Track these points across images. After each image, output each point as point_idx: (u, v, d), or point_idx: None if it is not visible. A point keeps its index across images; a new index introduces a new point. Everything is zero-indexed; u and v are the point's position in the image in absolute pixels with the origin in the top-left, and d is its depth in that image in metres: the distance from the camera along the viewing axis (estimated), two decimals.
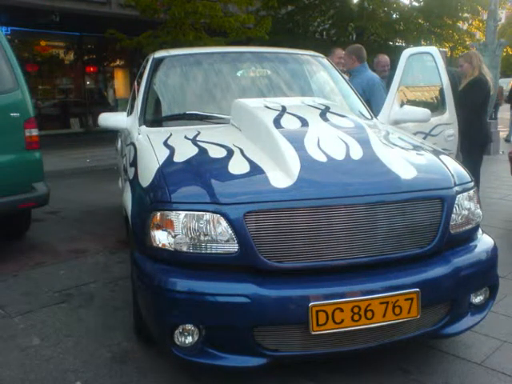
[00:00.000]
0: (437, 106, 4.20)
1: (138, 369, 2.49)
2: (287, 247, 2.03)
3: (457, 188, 2.30)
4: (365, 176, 2.18)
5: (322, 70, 3.93)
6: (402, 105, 3.69)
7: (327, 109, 2.76)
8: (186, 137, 2.71)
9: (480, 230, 2.51)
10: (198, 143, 2.59)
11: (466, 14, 15.42)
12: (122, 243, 4.40)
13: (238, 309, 2.00)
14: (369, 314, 2.01)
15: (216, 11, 10.26)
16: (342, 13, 14.82)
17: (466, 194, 2.34)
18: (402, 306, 2.05)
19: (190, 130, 2.86)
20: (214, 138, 2.66)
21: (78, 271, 3.88)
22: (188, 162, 2.37)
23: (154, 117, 3.37)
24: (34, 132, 4.18)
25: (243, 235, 2.01)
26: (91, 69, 15.69)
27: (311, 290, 2.02)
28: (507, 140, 12.36)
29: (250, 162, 2.29)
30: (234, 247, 2.04)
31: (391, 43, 15.13)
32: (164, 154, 2.47)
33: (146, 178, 2.36)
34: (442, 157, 2.53)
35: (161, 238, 2.12)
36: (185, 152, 2.46)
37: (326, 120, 2.59)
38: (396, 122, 3.53)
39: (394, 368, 2.44)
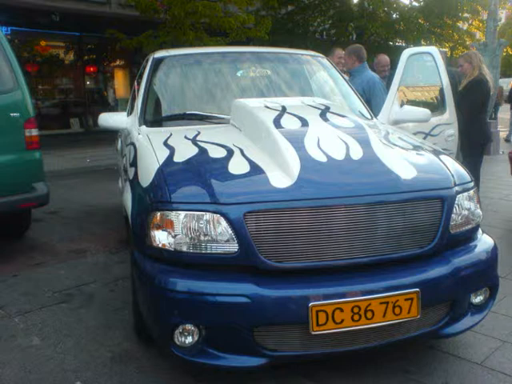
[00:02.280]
0: (437, 106, 4.20)
1: (138, 369, 2.49)
2: (287, 247, 2.03)
3: (457, 188, 2.30)
4: (365, 176, 2.18)
5: (322, 70, 3.93)
6: (402, 105, 3.69)
7: (327, 109, 2.76)
8: (186, 137, 2.71)
9: (480, 230, 2.51)
10: (198, 143, 2.60)
11: (465, 14, 15.44)
12: (122, 243, 4.40)
13: (238, 309, 2.00)
14: (369, 314, 2.01)
15: (216, 11, 10.26)
16: (341, 13, 14.84)
17: (465, 193, 2.34)
18: (402, 306, 2.05)
19: (190, 130, 2.86)
20: (213, 138, 2.66)
21: (78, 271, 3.88)
22: (188, 161, 2.37)
23: (154, 117, 3.37)
24: (34, 132, 4.18)
25: (243, 235, 2.01)
26: (91, 69, 15.69)
27: (311, 290, 2.02)
28: (507, 140, 12.36)
29: (250, 162, 2.29)
30: (233, 247, 2.04)
31: (391, 43, 15.14)
32: (164, 154, 2.47)
33: (146, 177, 2.36)
34: (442, 157, 2.53)
35: (161, 237, 2.12)
36: (185, 152, 2.46)
37: (326, 120, 2.59)
38: (396, 122, 3.53)
39: (393, 368, 2.44)
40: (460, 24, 16.43)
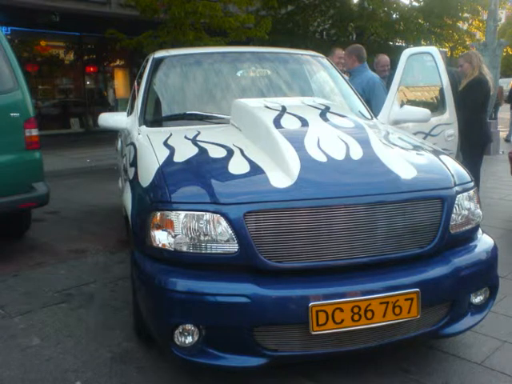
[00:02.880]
0: (437, 106, 4.20)
1: (138, 369, 2.49)
2: (287, 247, 2.03)
3: (457, 188, 2.30)
4: (365, 176, 2.18)
5: (322, 70, 3.93)
6: (402, 105, 3.69)
7: (327, 109, 2.76)
8: (186, 137, 2.71)
9: (480, 230, 2.51)
10: (198, 143, 2.59)
11: (466, 14, 15.43)
12: (122, 243, 4.40)
13: (238, 309, 2.00)
14: (369, 314, 2.01)
15: (216, 11, 10.26)
16: (342, 13, 14.84)
17: (466, 193, 2.34)
18: (402, 306, 2.05)
19: (190, 130, 2.86)
20: (213, 138, 2.66)
21: (78, 271, 3.88)
22: (188, 161, 2.37)
23: (154, 117, 3.37)
24: (34, 132, 4.18)
25: (243, 235, 2.01)
26: (91, 69, 15.69)
27: (311, 290, 2.02)
28: (507, 140, 12.36)
29: (250, 162, 2.29)
30: (233, 247, 2.04)
31: (391, 43, 15.14)
32: (164, 154, 2.47)
33: (146, 178, 2.36)
34: (442, 157, 2.53)
35: (161, 237, 2.12)
36: (185, 152, 2.46)
37: (326, 120, 2.58)
38: (396, 122, 3.53)
39: (394, 368, 2.44)
40: (460, 24, 16.43)
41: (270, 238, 2.03)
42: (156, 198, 2.18)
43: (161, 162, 2.37)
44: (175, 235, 2.09)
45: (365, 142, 2.35)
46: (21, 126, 4.09)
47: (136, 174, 2.58)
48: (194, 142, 2.63)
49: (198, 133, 2.77)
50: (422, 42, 14.28)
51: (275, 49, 4.14)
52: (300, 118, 2.57)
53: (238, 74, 3.73)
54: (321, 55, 4.07)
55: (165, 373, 2.46)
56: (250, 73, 3.76)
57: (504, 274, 3.41)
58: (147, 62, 3.78)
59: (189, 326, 2.08)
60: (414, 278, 2.11)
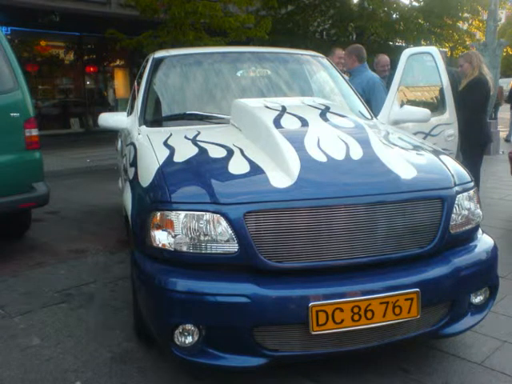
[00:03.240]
0: (437, 106, 4.20)
1: (138, 369, 2.49)
2: (287, 247, 2.03)
3: (457, 188, 2.30)
4: (365, 176, 2.18)
5: (322, 70, 3.93)
6: (402, 105, 3.69)
7: (327, 109, 2.76)
8: (186, 137, 2.72)
9: (480, 230, 2.51)
10: (198, 143, 2.60)
11: (466, 14, 15.44)
12: (122, 243, 4.40)
13: (238, 309, 2.00)
14: (369, 314, 2.01)
15: (216, 11, 10.27)
16: (342, 13, 14.85)
17: (466, 194, 2.34)
18: (402, 306, 2.05)
19: (190, 130, 2.86)
20: (213, 138, 2.66)
21: (77, 271, 3.88)
22: (188, 161, 2.37)
23: (154, 117, 3.37)
24: (34, 132, 4.18)
25: (243, 235, 2.01)
26: (91, 69, 15.70)
27: (311, 290, 2.02)
28: (507, 140, 12.36)
29: (250, 162, 2.29)
30: (233, 247, 2.04)
31: (391, 43, 15.14)
32: (164, 154, 2.47)
33: (146, 178, 2.37)
34: (442, 157, 2.53)
35: (161, 238, 2.12)
36: (185, 152, 2.46)
37: (326, 120, 2.58)
38: (396, 122, 3.53)
39: (394, 368, 2.44)
40: (460, 24, 16.43)
41: (270, 238, 2.03)
42: (156, 198, 2.18)
43: (161, 162, 2.37)
44: (175, 235, 2.09)
45: (365, 142, 2.35)
46: (21, 126, 4.09)
47: (136, 173, 2.58)
48: (194, 142, 2.63)
49: (198, 133, 2.77)
50: (422, 42, 14.29)
51: (275, 49, 4.14)
52: (300, 118, 2.57)
53: (238, 74, 3.73)
54: (321, 55, 4.07)
55: (165, 373, 2.46)
56: (249, 73, 3.76)
57: (504, 274, 3.41)
58: (147, 62, 3.78)
59: (189, 326, 2.08)
60: (413, 278, 2.11)
